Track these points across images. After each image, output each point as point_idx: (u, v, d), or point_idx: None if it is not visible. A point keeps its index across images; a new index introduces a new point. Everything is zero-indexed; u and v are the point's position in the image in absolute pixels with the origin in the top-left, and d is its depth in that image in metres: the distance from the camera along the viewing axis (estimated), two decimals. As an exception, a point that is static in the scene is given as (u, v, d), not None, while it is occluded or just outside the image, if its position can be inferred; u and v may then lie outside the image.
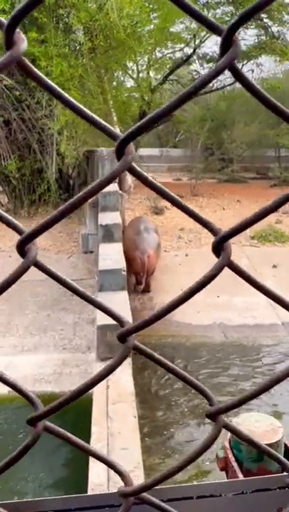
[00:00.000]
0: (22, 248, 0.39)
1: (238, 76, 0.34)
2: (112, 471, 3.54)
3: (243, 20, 0.32)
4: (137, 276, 8.03)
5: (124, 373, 4.69)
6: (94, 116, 0.38)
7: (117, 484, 3.29)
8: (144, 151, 17.89)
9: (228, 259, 0.38)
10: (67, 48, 10.73)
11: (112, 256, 6.76)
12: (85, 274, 8.47)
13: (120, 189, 9.36)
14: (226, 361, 6.39)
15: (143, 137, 16.85)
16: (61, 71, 9.76)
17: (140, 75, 15.29)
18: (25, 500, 0.78)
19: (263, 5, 0.31)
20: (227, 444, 2.18)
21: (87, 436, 3.86)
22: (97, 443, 3.74)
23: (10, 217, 0.41)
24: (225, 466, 2.20)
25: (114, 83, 13.48)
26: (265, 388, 0.38)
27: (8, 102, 10.94)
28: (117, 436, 3.85)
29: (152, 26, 12.76)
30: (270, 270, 8.81)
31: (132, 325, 0.40)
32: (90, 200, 7.41)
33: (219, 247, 0.39)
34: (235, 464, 2.08)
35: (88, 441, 3.75)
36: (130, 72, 14.79)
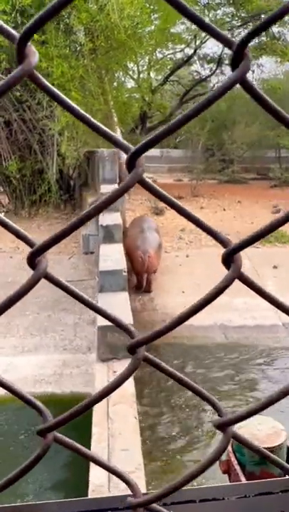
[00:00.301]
0: (32, 260, 0.39)
1: (249, 89, 0.34)
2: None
3: (254, 34, 0.33)
4: (138, 277, 8.05)
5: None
6: (106, 129, 0.38)
7: (117, 485, 3.29)
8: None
9: (238, 271, 0.38)
10: (68, 49, 10.74)
11: (112, 257, 6.76)
12: (86, 275, 8.47)
13: (121, 190, 9.34)
14: (226, 363, 6.38)
15: (144, 138, 16.83)
16: (62, 72, 9.77)
17: (141, 75, 15.32)
18: (26, 503, 0.78)
19: (273, 20, 0.31)
20: (229, 447, 2.18)
21: (87, 437, 3.85)
22: (97, 444, 3.74)
23: (19, 228, 0.41)
24: (227, 469, 2.20)
25: (115, 84, 13.49)
26: (276, 399, 0.38)
27: (9, 102, 10.95)
28: (117, 437, 3.85)
29: (153, 27, 12.80)
30: (271, 271, 8.80)
31: (142, 336, 0.40)
32: (90, 201, 7.34)
33: (229, 259, 0.39)
34: (237, 467, 2.07)
35: (89, 443, 3.75)
36: (131, 72, 14.83)
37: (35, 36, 9.75)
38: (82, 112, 0.36)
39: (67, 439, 0.42)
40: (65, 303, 7.32)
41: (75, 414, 0.40)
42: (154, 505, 0.42)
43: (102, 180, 9.57)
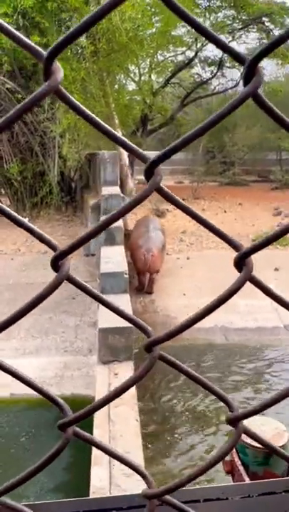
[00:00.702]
0: (56, 263, 0.41)
1: (261, 104, 0.36)
2: (113, 475, 3.53)
3: (267, 52, 0.34)
4: (140, 276, 8.10)
5: (127, 377, 4.68)
6: (129, 143, 0.40)
7: (118, 488, 3.30)
8: (146, 154, 17.90)
9: (249, 274, 0.40)
10: (69, 52, 10.77)
11: (113, 259, 6.77)
12: (87, 277, 8.48)
13: (122, 192, 9.40)
14: (228, 365, 6.40)
15: (145, 140, 16.88)
16: (64, 74, 9.80)
17: (142, 78, 15.33)
18: (26, 503, 0.79)
19: (287, 38, 0.33)
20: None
21: (89, 439, 3.85)
22: (98, 446, 3.74)
23: (42, 232, 0.43)
24: (231, 470, 2.22)
25: (116, 86, 13.52)
26: (286, 394, 0.40)
27: (10, 105, 10.98)
28: (118, 440, 3.86)
29: (154, 30, 12.82)
30: (272, 273, 8.82)
31: (158, 336, 0.42)
32: (91, 203, 7.34)
33: (241, 262, 0.41)
34: (241, 468, 2.09)
35: (90, 445, 3.76)
36: (132, 75, 14.84)
37: (37, 39, 9.80)
38: (110, 128, 0.38)
39: (85, 434, 0.44)
40: (66, 305, 7.33)
41: (92, 410, 0.42)
42: (168, 497, 0.43)
43: (103, 182, 9.60)
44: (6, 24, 0.35)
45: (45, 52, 0.35)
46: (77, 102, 0.37)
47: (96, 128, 0.38)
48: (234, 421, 0.43)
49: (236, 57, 0.37)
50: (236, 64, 17.70)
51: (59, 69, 0.35)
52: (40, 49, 0.36)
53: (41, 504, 0.78)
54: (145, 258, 7.81)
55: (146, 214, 12.13)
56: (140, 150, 0.41)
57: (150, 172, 0.38)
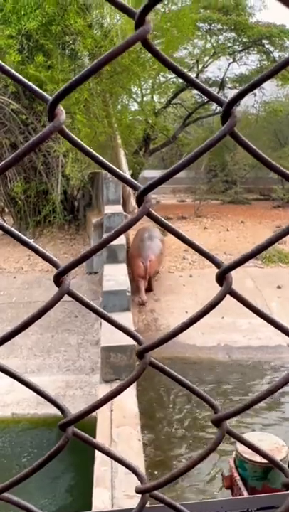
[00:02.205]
0: (58, 279, 0.45)
1: (237, 139, 0.40)
2: (115, 497, 3.49)
3: (240, 97, 0.39)
4: (138, 282, 8.28)
5: (129, 395, 4.67)
6: (120, 171, 0.45)
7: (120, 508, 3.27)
8: (148, 173, 18.14)
9: (229, 288, 0.44)
10: (73, 73, 10.98)
11: (116, 277, 6.81)
12: (90, 295, 8.51)
13: (124, 211, 9.49)
14: (230, 383, 6.37)
15: (148, 160, 17.04)
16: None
17: (144, 98, 15.58)
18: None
19: (258, 84, 0.37)
20: (232, 463, 2.19)
21: (90, 459, 3.84)
22: (101, 467, 3.72)
23: (46, 252, 0.47)
24: (230, 484, 2.22)
25: (119, 107, 13.75)
26: (267, 394, 0.43)
27: (15, 125, 11.16)
28: (121, 460, 3.82)
29: (156, 52, 13.05)
30: (275, 291, 8.83)
31: (148, 344, 0.46)
32: (94, 222, 7.42)
33: (222, 278, 0.45)
34: (240, 482, 2.10)
35: (92, 465, 3.74)
36: (134, 96, 15.08)
37: (41, 61, 10.00)
38: (107, 162, 0.43)
39: (84, 434, 0.47)
40: (68, 323, 7.34)
41: (90, 411, 0.45)
42: (158, 493, 0.46)
43: (106, 201, 9.70)
44: (13, 71, 0.40)
45: (50, 98, 0.40)
46: (79, 140, 0.42)
47: (95, 161, 0.43)
48: (218, 421, 0.46)
49: (215, 100, 0.41)
50: (237, 85, 17.99)
51: (62, 111, 0.40)
52: (45, 94, 0.41)
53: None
54: (144, 265, 8.19)
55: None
56: (133, 180, 0.46)
57: (141, 199, 0.43)
